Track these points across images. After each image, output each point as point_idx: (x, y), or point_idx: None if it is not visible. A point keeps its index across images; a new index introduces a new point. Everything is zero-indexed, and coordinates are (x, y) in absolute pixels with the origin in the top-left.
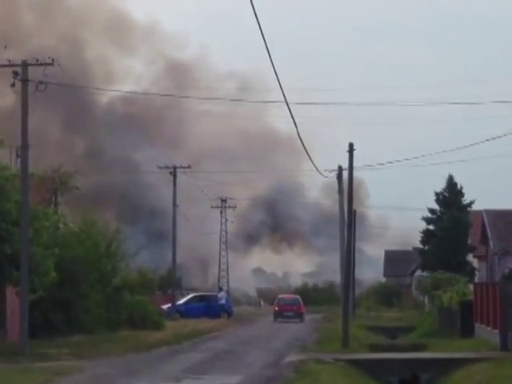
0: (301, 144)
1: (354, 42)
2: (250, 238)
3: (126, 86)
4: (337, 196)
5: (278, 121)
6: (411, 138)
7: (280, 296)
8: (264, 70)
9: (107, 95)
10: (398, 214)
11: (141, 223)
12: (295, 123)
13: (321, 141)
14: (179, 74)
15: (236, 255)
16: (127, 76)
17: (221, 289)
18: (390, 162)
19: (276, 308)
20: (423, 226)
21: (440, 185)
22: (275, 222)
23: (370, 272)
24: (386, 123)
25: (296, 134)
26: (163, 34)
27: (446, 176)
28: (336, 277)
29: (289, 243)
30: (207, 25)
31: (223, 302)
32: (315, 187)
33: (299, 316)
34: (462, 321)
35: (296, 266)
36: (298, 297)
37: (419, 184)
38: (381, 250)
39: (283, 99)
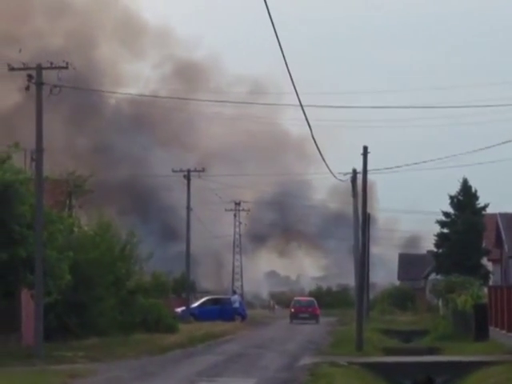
0: (311, 147)
1: (366, 46)
2: (258, 240)
3: (135, 88)
4: (344, 198)
5: (290, 124)
6: (424, 140)
7: (296, 298)
8: (275, 74)
9: (116, 97)
10: (409, 217)
11: (151, 223)
12: (310, 126)
13: (332, 144)
14: (190, 76)
15: (244, 257)
16: (137, 78)
17: (234, 292)
18: (399, 166)
19: (292, 310)
20: (435, 229)
21: (454, 188)
22: (283, 225)
23: (381, 275)
24: (398, 126)
25: (306, 137)
26: (174, 36)
27: (461, 179)
28: (344, 279)
29: (296, 245)
30: (218, 28)
31: (237, 305)
32: (323, 190)
33: (314, 317)
34: (477, 324)
35: (303, 268)
36: (313, 299)
37: (431, 187)
38: (390, 253)
39: (295, 102)
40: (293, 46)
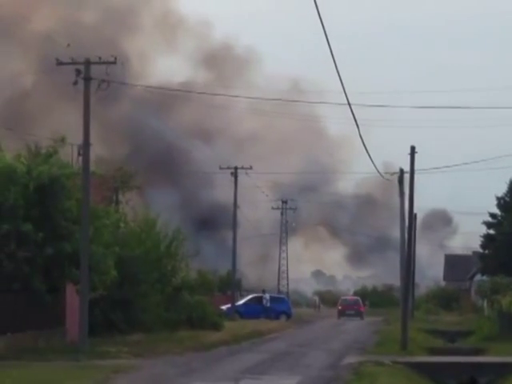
0: (348, 145)
1: (413, 46)
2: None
3: (169, 80)
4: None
5: (327, 122)
6: (471, 141)
7: (343, 297)
8: (313, 73)
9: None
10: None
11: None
12: (357, 125)
13: (375, 142)
14: (225, 71)
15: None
16: (171, 70)
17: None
18: (448, 166)
19: (340, 307)
20: (478, 229)
21: (501, 189)
22: (311, 220)
23: (420, 274)
24: (445, 127)
25: (345, 135)
26: (212, 31)
27: (508, 180)
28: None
29: (327, 241)
30: (258, 26)
31: (268, 304)
32: (350, 188)
33: (359, 314)
34: None
35: (325, 260)
36: (358, 298)
37: (473, 187)
38: (425, 253)
39: (336, 101)
40: (335, 44)
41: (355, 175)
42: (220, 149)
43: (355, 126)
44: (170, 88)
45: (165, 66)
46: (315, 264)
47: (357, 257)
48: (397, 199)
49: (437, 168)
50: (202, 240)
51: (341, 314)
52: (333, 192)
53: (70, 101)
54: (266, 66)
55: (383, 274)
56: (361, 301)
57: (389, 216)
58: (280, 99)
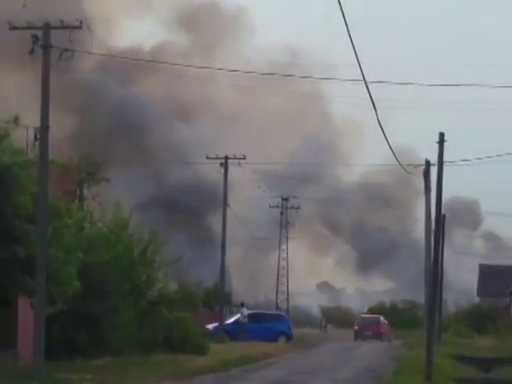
0: (360, 131)
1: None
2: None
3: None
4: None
5: (334, 102)
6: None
7: (361, 315)
8: (315, 45)
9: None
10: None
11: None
12: (375, 107)
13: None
14: (207, 37)
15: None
16: (145, 35)
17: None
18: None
19: (356, 327)
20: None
21: None
22: (315, 220)
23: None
24: (475, 109)
25: (350, 120)
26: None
27: None
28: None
29: (330, 245)
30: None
31: (245, 320)
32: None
33: (378, 336)
34: None
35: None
36: (379, 316)
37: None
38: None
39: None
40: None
41: (361, 167)
42: (197, 130)
43: (366, 107)
44: (138, 58)
45: (135, 28)
46: (314, 273)
47: (366, 265)
48: (414, 196)
49: (466, 160)
50: (179, 238)
51: (358, 334)
52: (335, 186)
53: (16, 69)
54: (258, 33)
55: (400, 287)
56: (382, 319)
57: (404, 216)
58: (273, 73)
